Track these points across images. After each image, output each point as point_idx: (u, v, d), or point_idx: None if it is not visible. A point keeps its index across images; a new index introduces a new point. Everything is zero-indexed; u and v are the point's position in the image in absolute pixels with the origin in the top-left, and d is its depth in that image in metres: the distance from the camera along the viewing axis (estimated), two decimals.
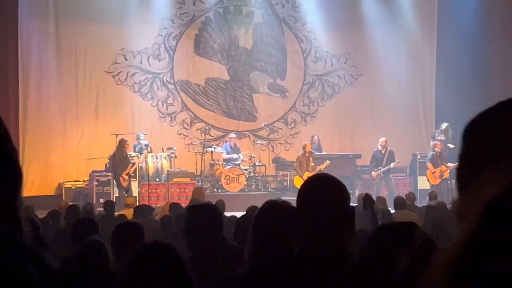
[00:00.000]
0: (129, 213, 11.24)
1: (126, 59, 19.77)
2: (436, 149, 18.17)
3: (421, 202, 15.31)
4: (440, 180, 17.97)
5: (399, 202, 11.24)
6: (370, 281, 2.22)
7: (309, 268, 2.56)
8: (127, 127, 19.09)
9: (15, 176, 1.21)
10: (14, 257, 0.95)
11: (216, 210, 4.67)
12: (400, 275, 2.04)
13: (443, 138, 19.13)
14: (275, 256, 2.91)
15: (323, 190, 2.66)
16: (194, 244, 4.38)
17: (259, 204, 3.50)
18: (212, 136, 20.37)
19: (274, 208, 3.17)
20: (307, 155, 17.71)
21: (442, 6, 21.37)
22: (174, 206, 10.87)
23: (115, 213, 11.63)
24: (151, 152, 17.95)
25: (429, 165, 18.21)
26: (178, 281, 2.73)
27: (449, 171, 17.80)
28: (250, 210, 8.24)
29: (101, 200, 15.94)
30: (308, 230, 2.64)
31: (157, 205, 15.20)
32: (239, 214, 7.30)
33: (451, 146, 18.57)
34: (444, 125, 19.52)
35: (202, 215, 4.47)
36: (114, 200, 15.32)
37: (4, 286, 0.92)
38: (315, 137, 19.48)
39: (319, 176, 2.79)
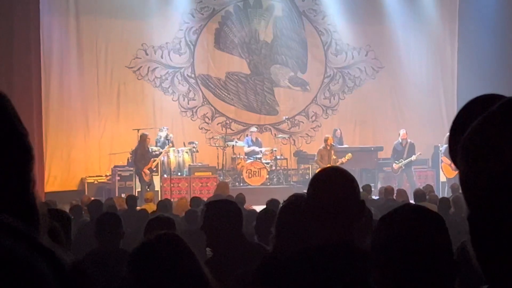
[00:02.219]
0: (149, 208, 11.28)
1: (147, 54, 19.82)
2: None
3: (443, 194, 15.24)
4: (456, 172, 17.88)
5: (419, 194, 11.22)
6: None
7: (317, 262, 2.54)
8: (149, 122, 19.15)
9: (24, 155, 1.17)
10: (24, 253, 0.93)
11: (235, 206, 4.51)
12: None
13: None
14: (297, 250, 2.91)
15: (331, 182, 2.63)
16: (212, 241, 4.31)
17: (281, 197, 3.50)
18: (233, 130, 20.39)
19: (299, 201, 3.16)
20: (328, 148, 17.67)
21: None
22: (195, 200, 10.89)
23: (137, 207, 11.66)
24: (173, 146, 17.99)
25: (444, 158, 18.18)
26: (187, 271, 2.73)
27: None
28: (270, 203, 8.24)
29: (123, 195, 16.01)
30: (316, 223, 2.62)
31: (174, 199, 15.21)
32: (260, 208, 7.29)
33: None
34: None
35: (221, 211, 4.35)
36: (136, 194, 15.37)
37: (14, 284, 0.90)
38: (338, 130, 19.42)
39: (328, 168, 2.78)
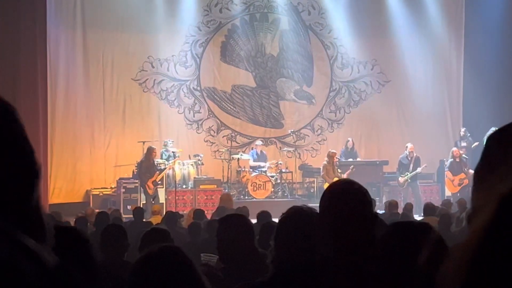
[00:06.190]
0: (156, 220, 11.28)
1: (153, 67, 19.86)
2: (454, 155, 18.10)
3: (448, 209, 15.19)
4: (459, 187, 17.88)
5: (428, 208, 11.07)
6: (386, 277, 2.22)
7: (327, 275, 2.54)
8: (154, 134, 19.17)
9: (32, 172, 1.20)
10: (5, 251, 0.95)
11: (248, 221, 4.62)
12: (417, 272, 2.06)
13: (464, 144, 19.10)
14: (296, 263, 2.90)
15: (344, 195, 2.64)
16: (226, 257, 4.35)
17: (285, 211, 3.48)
18: (239, 143, 20.39)
19: (298, 213, 3.16)
20: (332, 162, 17.68)
21: (470, 11, 21.23)
22: (198, 212, 10.87)
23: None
24: (178, 160, 18.00)
25: (448, 172, 18.16)
26: (188, 284, 2.72)
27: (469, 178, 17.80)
28: (260, 216, 8.40)
29: (128, 207, 16.02)
30: (327, 236, 2.62)
31: (184, 212, 15.22)
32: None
33: (476, 143, 18.71)
34: (462, 131, 19.66)
35: (234, 226, 4.42)
36: (141, 207, 15.33)
37: None
38: (350, 141, 19.27)
39: (340, 181, 2.78)
